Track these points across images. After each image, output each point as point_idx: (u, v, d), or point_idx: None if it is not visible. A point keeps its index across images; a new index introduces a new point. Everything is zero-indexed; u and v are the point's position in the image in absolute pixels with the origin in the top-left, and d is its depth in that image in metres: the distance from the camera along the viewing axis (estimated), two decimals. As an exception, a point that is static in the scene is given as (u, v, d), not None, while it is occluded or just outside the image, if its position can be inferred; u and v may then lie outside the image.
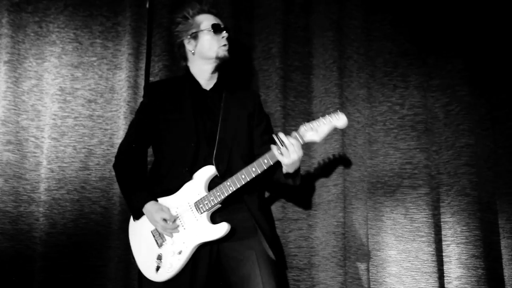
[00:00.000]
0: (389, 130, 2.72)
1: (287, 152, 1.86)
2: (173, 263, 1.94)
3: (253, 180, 1.92)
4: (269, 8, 2.78)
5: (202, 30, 2.10)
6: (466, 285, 2.46)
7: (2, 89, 2.60)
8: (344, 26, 2.76)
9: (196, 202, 1.96)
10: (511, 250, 2.59)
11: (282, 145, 1.87)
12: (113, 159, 2.18)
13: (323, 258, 2.55)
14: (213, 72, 2.14)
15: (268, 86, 2.71)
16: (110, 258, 2.54)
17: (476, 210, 2.53)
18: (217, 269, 2.01)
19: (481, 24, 2.71)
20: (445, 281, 2.52)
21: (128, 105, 2.60)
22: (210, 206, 1.94)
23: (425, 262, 2.55)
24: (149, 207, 1.98)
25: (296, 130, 1.92)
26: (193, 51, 2.12)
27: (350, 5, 2.79)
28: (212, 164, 1.98)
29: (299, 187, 2.11)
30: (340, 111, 1.94)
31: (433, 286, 2.52)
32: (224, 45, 2.10)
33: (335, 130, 2.04)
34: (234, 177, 1.92)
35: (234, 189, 1.92)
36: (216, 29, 2.10)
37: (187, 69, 2.18)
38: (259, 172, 1.91)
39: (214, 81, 2.16)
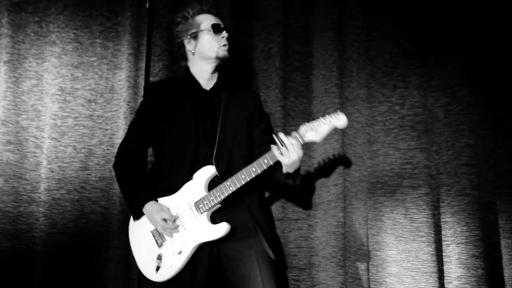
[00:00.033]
0: (389, 130, 2.72)
1: (287, 152, 1.86)
2: (173, 263, 1.94)
3: (253, 180, 1.91)
4: (269, 8, 2.78)
5: (202, 30, 2.10)
6: (466, 285, 2.46)
7: (2, 89, 2.60)
8: (344, 26, 2.75)
9: (196, 202, 1.96)
10: (511, 250, 2.59)
11: (282, 145, 1.87)
12: (113, 159, 2.18)
13: (323, 258, 2.54)
14: (213, 72, 2.14)
15: (268, 86, 2.71)
16: (110, 258, 2.54)
17: (476, 210, 2.52)
18: (217, 269, 2.01)
19: (481, 24, 2.71)
20: (445, 281, 2.52)
21: (128, 105, 2.60)
22: (210, 206, 1.94)
23: (425, 262, 2.55)
24: (149, 207, 1.98)
25: (296, 130, 1.92)
26: (193, 51, 2.12)
27: (350, 5, 2.79)
28: (212, 164, 1.98)
29: (299, 187, 2.10)
30: (340, 111, 1.93)
31: (433, 286, 2.51)
32: (224, 45, 2.10)
33: (335, 130, 2.04)
34: (234, 177, 1.91)
35: (234, 189, 1.91)
36: (216, 29, 2.10)
37: (187, 69, 2.18)
38: (259, 172, 1.91)
39: (214, 81, 2.16)
